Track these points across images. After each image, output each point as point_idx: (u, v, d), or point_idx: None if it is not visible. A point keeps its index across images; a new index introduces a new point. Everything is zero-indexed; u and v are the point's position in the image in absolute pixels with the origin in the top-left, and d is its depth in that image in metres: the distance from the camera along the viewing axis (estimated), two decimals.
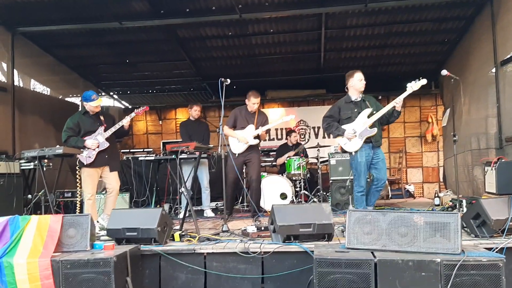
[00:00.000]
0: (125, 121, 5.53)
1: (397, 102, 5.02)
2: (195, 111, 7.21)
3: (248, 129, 6.16)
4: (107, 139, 5.46)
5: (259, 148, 6.61)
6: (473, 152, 7.04)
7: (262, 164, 9.15)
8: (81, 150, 5.34)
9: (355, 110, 5.22)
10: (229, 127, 6.28)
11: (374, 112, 5.15)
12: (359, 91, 5.24)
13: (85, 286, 3.42)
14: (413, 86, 4.93)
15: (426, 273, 3.09)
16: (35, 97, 9.15)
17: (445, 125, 8.77)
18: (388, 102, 5.28)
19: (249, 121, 6.20)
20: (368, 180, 5.52)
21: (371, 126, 5.11)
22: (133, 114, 5.68)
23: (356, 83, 5.20)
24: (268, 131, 6.77)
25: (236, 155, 6.10)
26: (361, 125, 5.14)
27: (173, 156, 5.52)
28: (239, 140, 6.13)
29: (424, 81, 4.95)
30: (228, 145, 6.21)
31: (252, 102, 6.15)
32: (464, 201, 5.51)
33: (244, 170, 6.84)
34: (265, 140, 10.31)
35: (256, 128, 6.14)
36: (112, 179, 5.64)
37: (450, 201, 6.18)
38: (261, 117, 6.31)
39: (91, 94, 5.46)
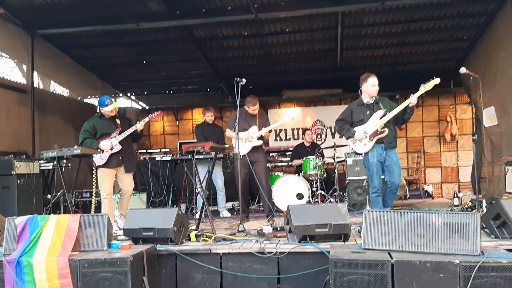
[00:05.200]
0: (138, 126, 5.66)
1: (411, 102, 4.95)
2: (208, 117, 7.26)
3: (251, 130, 6.14)
4: (121, 142, 5.58)
5: (264, 148, 6.60)
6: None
7: (278, 164, 9.14)
8: (98, 151, 5.50)
9: (367, 112, 5.20)
10: (231, 130, 6.27)
11: (387, 113, 5.10)
12: (371, 96, 5.22)
13: (102, 285, 3.46)
14: (426, 86, 4.88)
15: (445, 274, 3.03)
16: (54, 98, 9.29)
17: (492, 124, 7.39)
18: None
19: (250, 123, 6.18)
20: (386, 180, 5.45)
21: (383, 128, 5.07)
22: (146, 119, 5.84)
23: (369, 88, 5.17)
24: (275, 131, 6.62)
25: (241, 156, 6.04)
26: (372, 127, 5.11)
27: (189, 156, 5.55)
28: (243, 141, 6.08)
29: (437, 81, 4.87)
30: (233, 146, 6.19)
31: (252, 109, 6.15)
32: (484, 201, 5.40)
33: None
34: (268, 140, 10.28)
35: (259, 129, 6.12)
36: (126, 181, 5.78)
37: (470, 201, 6.07)
38: (262, 118, 6.31)
39: (105, 99, 5.63)
